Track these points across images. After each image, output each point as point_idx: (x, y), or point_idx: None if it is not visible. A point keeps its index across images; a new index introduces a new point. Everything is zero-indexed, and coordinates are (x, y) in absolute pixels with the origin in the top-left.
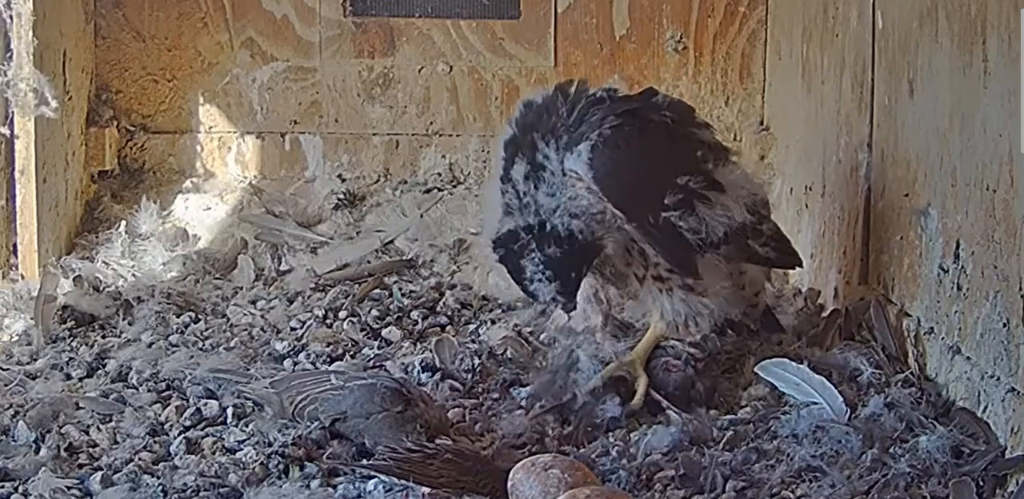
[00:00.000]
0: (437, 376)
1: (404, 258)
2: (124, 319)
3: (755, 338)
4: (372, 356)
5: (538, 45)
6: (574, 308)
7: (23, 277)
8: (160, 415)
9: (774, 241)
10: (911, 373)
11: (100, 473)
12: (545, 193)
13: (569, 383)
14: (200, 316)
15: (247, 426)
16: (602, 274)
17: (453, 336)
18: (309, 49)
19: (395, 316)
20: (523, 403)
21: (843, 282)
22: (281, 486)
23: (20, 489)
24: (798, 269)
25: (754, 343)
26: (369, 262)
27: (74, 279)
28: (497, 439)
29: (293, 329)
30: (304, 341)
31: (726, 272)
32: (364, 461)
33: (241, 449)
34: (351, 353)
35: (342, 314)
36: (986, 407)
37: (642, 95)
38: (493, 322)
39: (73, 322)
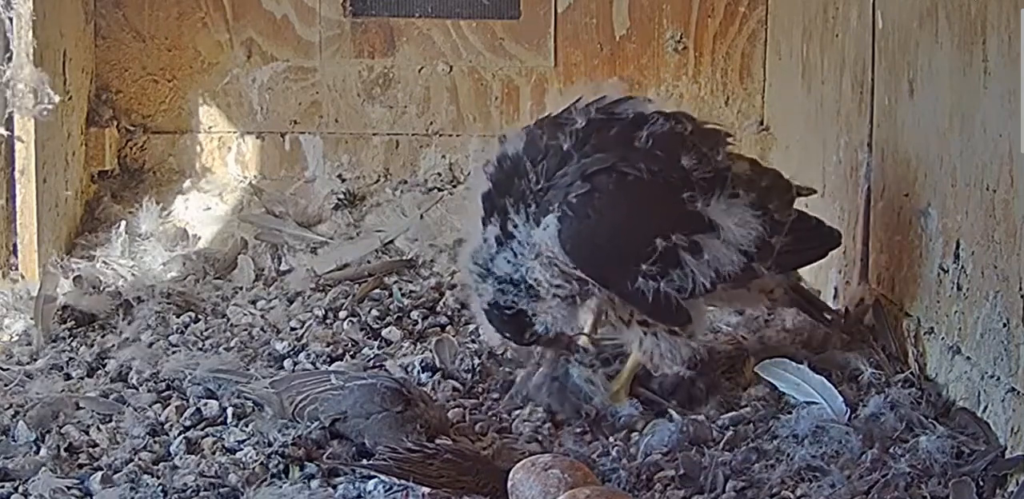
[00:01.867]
0: (437, 376)
1: (404, 258)
2: (124, 319)
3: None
4: (372, 356)
5: (538, 45)
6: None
7: (23, 277)
8: (160, 415)
9: (791, 246)
10: (911, 373)
11: (100, 473)
12: (505, 259)
13: (559, 395)
14: (200, 316)
15: (247, 426)
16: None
17: (453, 336)
18: (309, 49)
19: (395, 316)
20: (520, 402)
21: (843, 282)
22: (281, 486)
23: (20, 489)
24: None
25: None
26: (369, 262)
27: (74, 279)
28: (498, 439)
29: (293, 329)
30: (304, 341)
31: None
32: (364, 461)
33: (241, 449)
34: (351, 353)
35: (342, 314)
36: (986, 407)
37: (624, 128)
38: None
39: (73, 322)
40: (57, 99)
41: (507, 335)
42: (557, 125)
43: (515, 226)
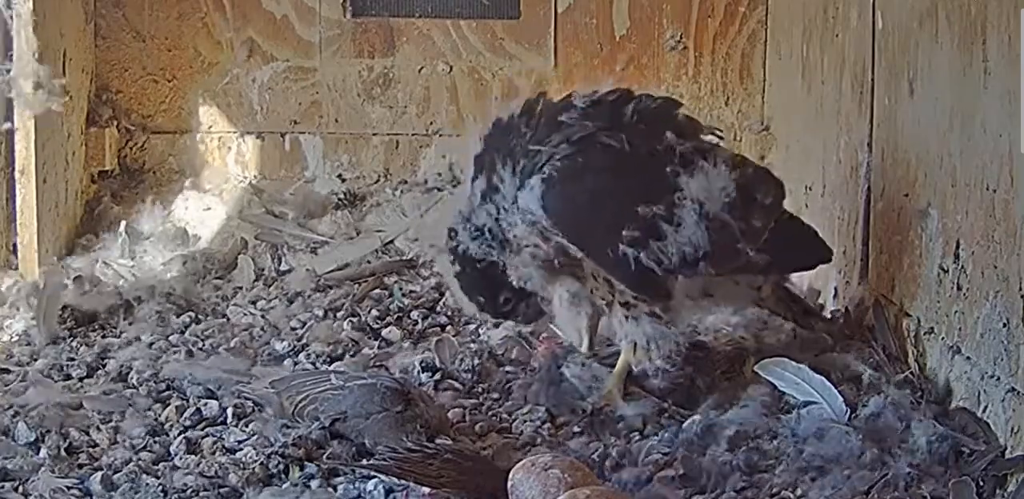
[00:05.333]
0: (437, 376)
1: (404, 258)
2: (124, 319)
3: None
4: (372, 356)
5: (538, 45)
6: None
7: (23, 277)
8: (160, 415)
9: (781, 236)
10: (911, 373)
11: (100, 473)
12: (486, 211)
13: (555, 396)
14: (200, 316)
15: (247, 426)
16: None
17: (453, 336)
18: (309, 49)
19: (395, 316)
20: (519, 403)
21: (843, 282)
22: (281, 486)
23: (20, 489)
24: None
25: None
26: (369, 262)
27: (74, 279)
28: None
29: (293, 329)
30: (304, 341)
31: (703, 287)
32: (364, 461)
33: (241, 449)
34: (351, 353)
35: (342, 314)
36: (986, 407)
37: (611, 105)
38: (493, 322)
39: (73, 322)
40: (62, 97)
41: (481, 299)
42: (554, 101)
43: (501, 180)
